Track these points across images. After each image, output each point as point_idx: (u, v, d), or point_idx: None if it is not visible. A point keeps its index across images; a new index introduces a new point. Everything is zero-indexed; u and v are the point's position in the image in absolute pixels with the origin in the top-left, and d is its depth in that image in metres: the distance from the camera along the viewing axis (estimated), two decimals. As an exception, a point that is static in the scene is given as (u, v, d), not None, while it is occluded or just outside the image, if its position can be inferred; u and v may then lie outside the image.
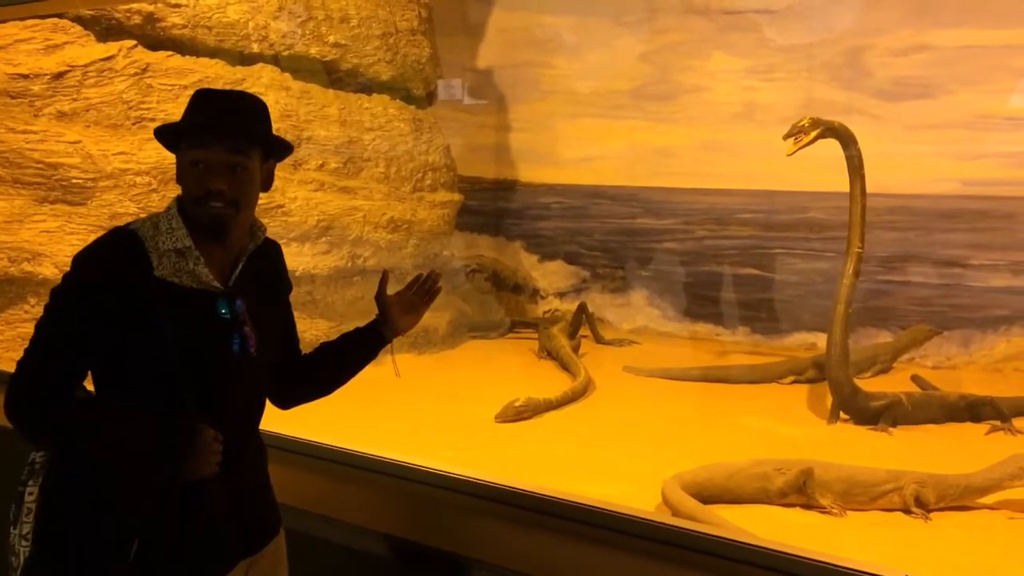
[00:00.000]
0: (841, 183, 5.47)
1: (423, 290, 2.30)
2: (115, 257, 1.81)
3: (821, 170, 5.97)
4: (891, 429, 5.14)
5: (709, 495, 3.84)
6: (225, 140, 1.84)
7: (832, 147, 5.37)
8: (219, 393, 1.92)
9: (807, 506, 3.93)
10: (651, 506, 3.72)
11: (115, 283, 1.78)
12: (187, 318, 1.84)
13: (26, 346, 1.82)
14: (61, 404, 1.79)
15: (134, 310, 1.78)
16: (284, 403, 2.29)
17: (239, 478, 1.96)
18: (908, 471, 3.97)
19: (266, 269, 2.07)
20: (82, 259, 1.82)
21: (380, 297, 2.28)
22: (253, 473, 2.08)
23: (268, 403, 2.18)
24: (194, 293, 1.86)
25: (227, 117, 1.86)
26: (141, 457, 1.77)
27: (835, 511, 3.87)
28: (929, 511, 3.88)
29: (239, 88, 5.93)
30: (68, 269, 1.83)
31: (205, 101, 1.89)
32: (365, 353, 2.29)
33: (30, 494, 1.84)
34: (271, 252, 2.10)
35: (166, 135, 1.89)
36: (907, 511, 3.88)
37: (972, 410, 5.35)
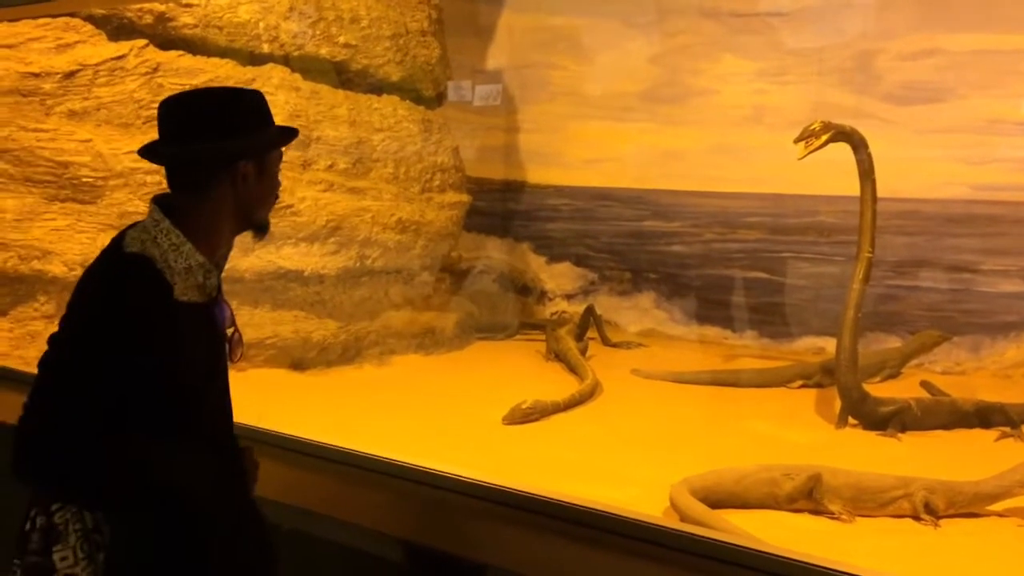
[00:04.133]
0: (850, 187, 5.45)
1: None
2: (150, 292, 1.69)
3: (830, 174, 5.95)
4: (900, 435, 5.12)
5: (717, 500, 3.82)
6: None
7: (841, 151, 5.34)
8: (229, 406, 1.90)
9: (816, 512, 3.91)
10: (659, 510, 3.71)
11: (156, 319, 1.68)
12: (203, 335, 1.78)
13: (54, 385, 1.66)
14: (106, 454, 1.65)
15: (162, 340, 1.69)
16: None
17: None
18: (917, 477, 3.95)
19: None
20: (122, 307, 1.66)
21: None
22: None
23: None
24: (199, 308, 1.79)
25: None
26: (220, 491, 1.75)
27: (844, 517, 3.85)
28: (939, 518, 3.85)
29: (250, 87, 5.95)
30: (100, 312, 1.67)
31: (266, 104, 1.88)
32: None
33: (63, 559, 1.69)
34: None
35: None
36: (916, 518, 3.86)
37: (982, 416, 5.31)
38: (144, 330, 1.66)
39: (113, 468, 1.66)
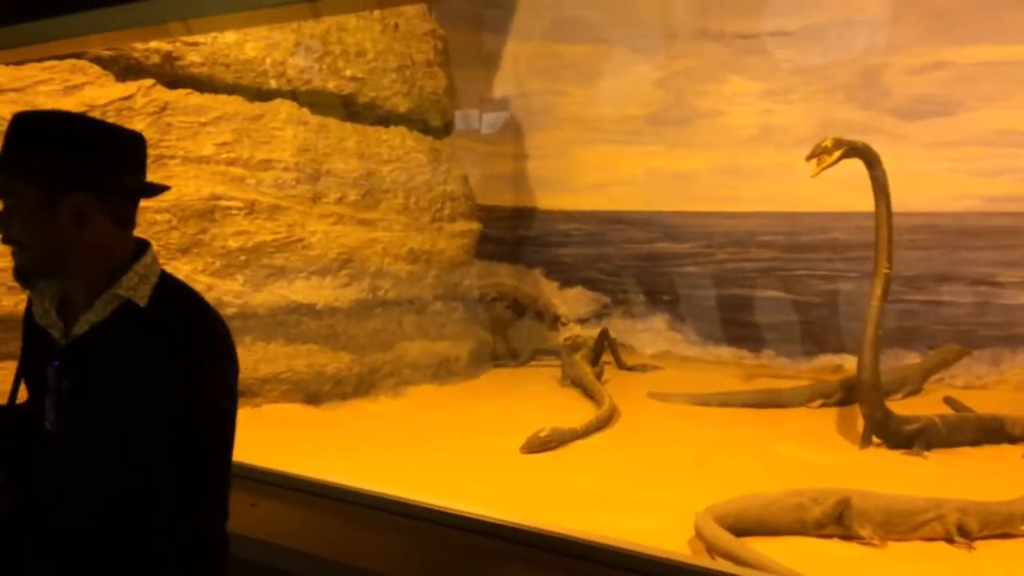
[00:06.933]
0: (860, 202, 5.41)
1: None
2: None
3: (839, 190, 5.91)
4: (926, 453, 5.03)
5: (743, 528, 3.74)
6: None
7: (850, 167, 5.29)
8: (30, 458, 1.59)
9: (845, 537, 3.82)
10: (684, 539, 3.63)
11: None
12: (37, 364, 1.59)
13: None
14: None
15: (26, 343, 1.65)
16: None
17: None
18: (949, 498, 3.86)
19: (124, 347, 1.51)
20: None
21: None
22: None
23: None
24: (48, 339, 1.57)
25: None
26: None
27: (875, 542, 3.76)
28: (972, 540, 3.76)
29: (258, 123, 5.84)
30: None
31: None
32: None
33: None
34: (148, 328, 1.51)
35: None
36: (950, 540, 3.77)
37: (1009, 431, 5.22)
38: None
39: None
